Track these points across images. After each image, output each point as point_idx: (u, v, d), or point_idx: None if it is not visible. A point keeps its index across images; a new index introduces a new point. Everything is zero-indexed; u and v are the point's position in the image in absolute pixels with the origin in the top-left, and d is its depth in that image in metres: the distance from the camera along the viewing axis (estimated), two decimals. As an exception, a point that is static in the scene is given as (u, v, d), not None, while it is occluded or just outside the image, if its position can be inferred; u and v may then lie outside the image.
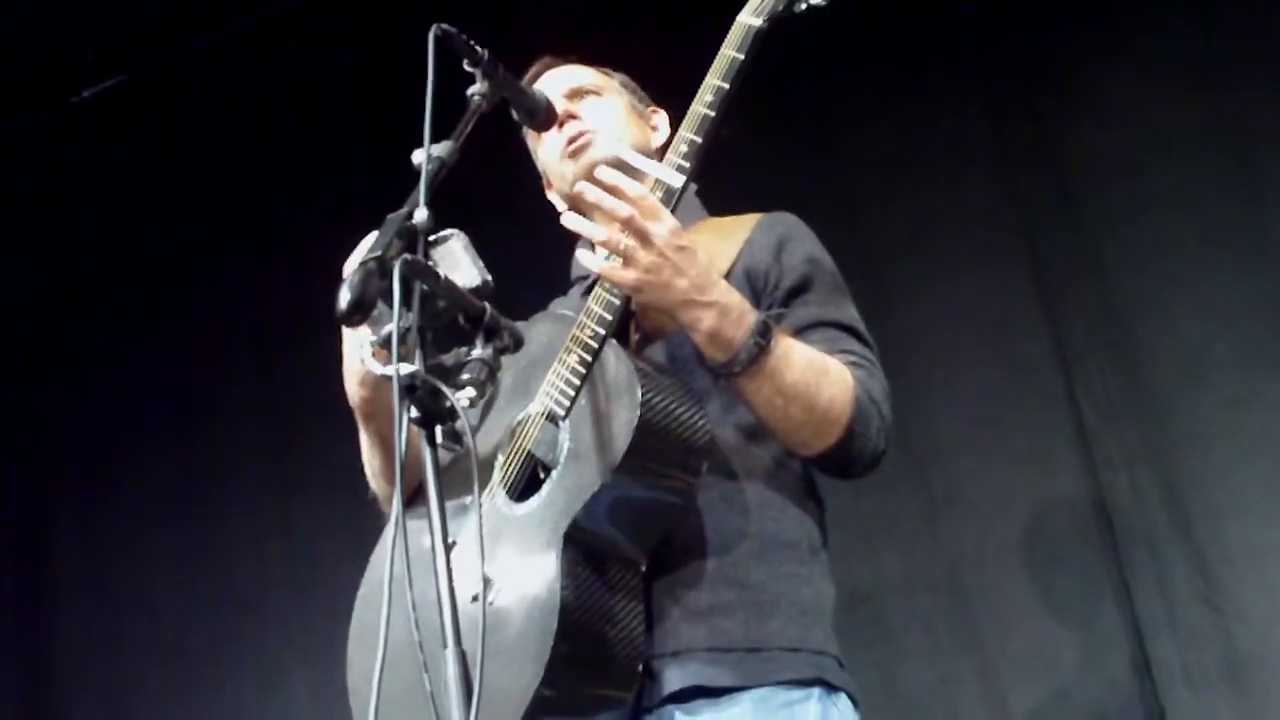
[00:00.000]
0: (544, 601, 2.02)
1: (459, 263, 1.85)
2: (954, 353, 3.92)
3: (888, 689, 3.65)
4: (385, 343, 1.71)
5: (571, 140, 2.45)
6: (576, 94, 2.52)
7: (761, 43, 2.27)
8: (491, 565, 2.10)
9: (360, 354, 1.82)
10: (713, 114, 2.23)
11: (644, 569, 2.14)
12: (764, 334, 2.12)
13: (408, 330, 1.70)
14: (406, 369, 1.68)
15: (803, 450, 2.23)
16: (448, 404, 1.70)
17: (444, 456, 1.74)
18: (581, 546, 2.06)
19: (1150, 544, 3.58)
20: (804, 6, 2.30)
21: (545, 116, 2.31)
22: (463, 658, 1.62)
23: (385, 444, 2.33)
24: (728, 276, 2.25)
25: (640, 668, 2.10)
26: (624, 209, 2.07)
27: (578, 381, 2.14)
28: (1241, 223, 3.72)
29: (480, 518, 2.08)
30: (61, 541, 5.02)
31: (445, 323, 1.78)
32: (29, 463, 5.16)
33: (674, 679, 2.11)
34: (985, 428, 3.85)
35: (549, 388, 2.18)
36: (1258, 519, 3.52)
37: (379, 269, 1.73)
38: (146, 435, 4.94)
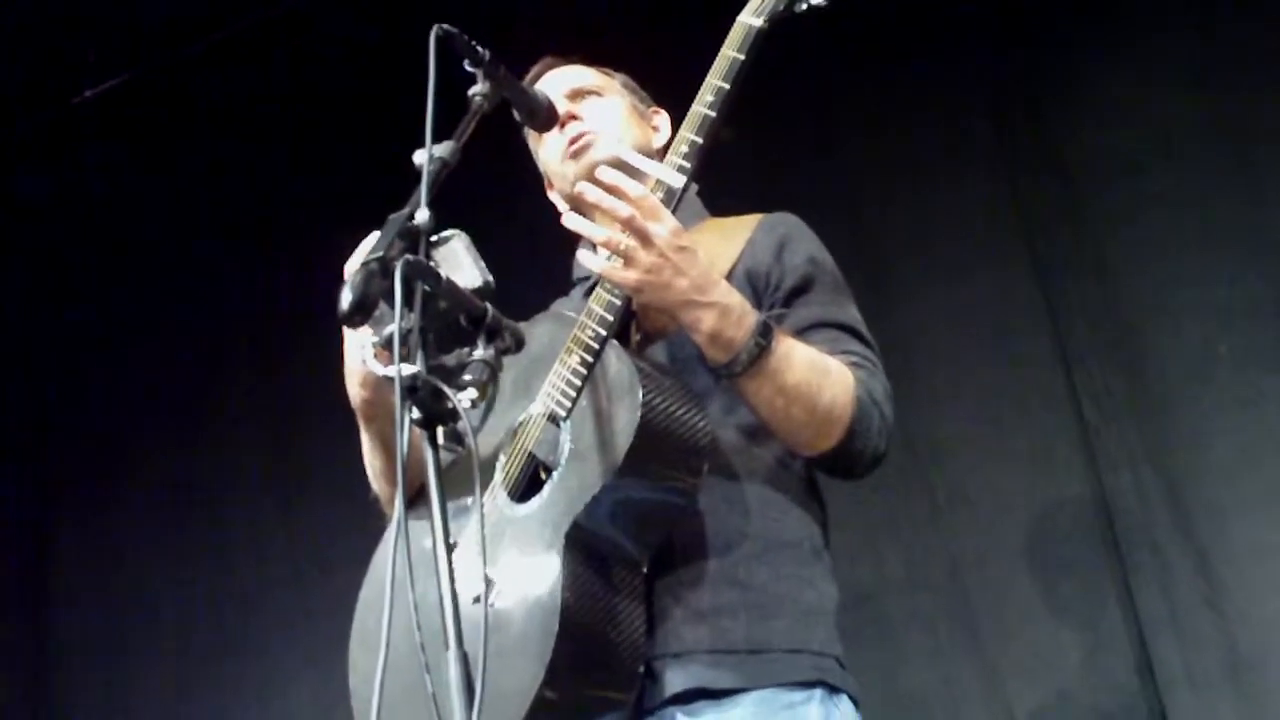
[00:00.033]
0: (545, 603, 2.02)
1: (461, 263, 1.84)
2: (955, 353, 3.92)
3: (889, 689, 3.65)
4: (387, 343, 1.71)
5: (573, 141, 2.45)
6: (578, 94, 2.51)
7: (762, 43, 2.27)
8: (493, 566, 2.10)
9: (362, 355, 1.82)
10: (713, 114, 2.23)
11: (645, 570, 2.14)
12: (765, 334, 2.11)
13: (409, 331, 1.69)
14: (408, 370, 1.67)
15: (804, 451, 2.23)
16: (449, 405, 1.70)
17: (445, 457, 1.73)
18: (583, 547, 2.06)
19: (1152, 544, 3.58)
20: (805, 7, 2.30)
21: (546, 117, 2.31)
22: (464, 659, 1.62)
23: (386, 445, 2.33)
24: (729, 277, 2.25)
25: (642, 669, 2.10)
26: (624, 209, 2.07)
27: (579, 382, 2.14)
28: (1241, 223, 3.72)
29: (482, 519, 2.08)
30: (62, 541, 5.02)
31: (447, 323, 1.78)
32: (29, 463, 5.15)
33: (676, 680, 2.11)
34: (986, 427, 3.85)
35: (550, 388, 2.18)
36: (1260, 519, 3.52)
37: (381, 269, 1.72)
38: (146, 435, 4.94)
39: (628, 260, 2.08)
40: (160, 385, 4.95)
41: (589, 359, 2.15)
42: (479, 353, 1.78)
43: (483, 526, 2.08)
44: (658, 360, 2.25)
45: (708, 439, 2.15)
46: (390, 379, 1.67)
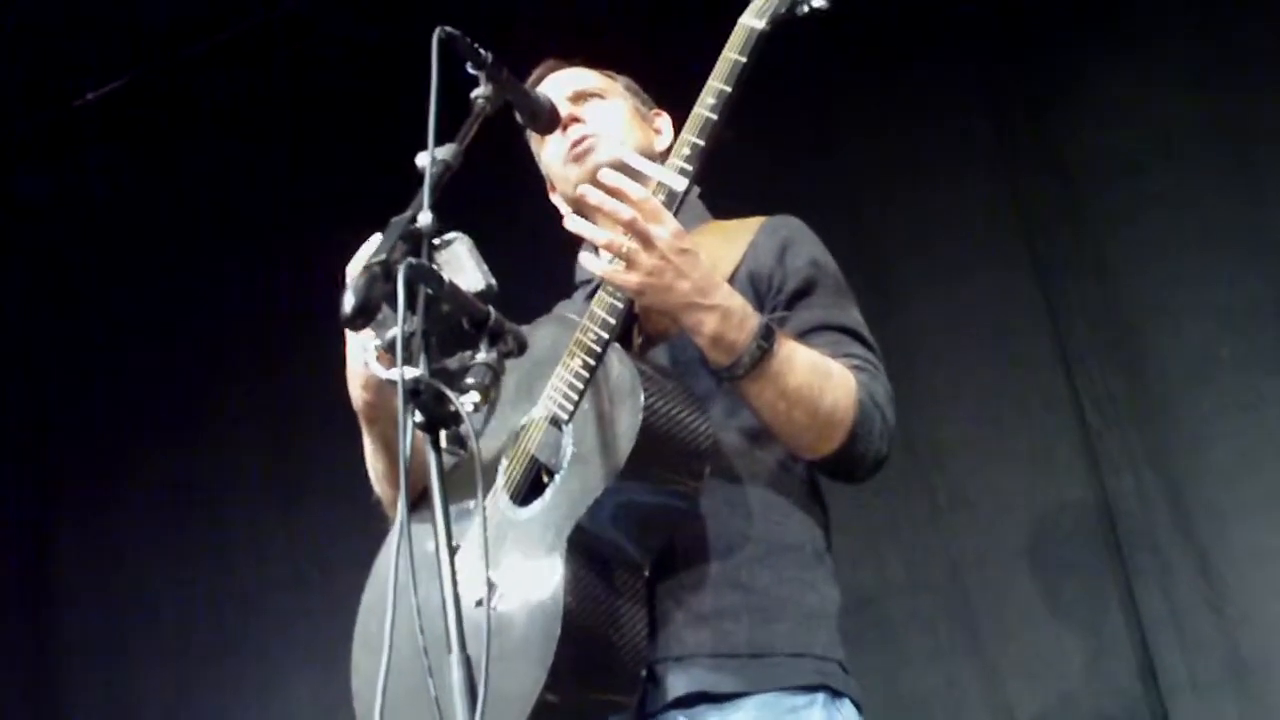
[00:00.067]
0: (547, 606, 2.02)
1: (463, 266, 1.84)
2: (955, 354, 3.91)
3: (891, 693, 3.65)
4: (389, 346, 1.70)
5: (575, 144, 2.44)
6: (580, 97, 2.51)
7: (764, 45, 2.27)
8: (495, 570, 2.10)
9: (364, 358, 1.82)
10: (715, 117, 2.23)
11: (647, 573, 2.14)
12: (767, 337, 2.11)
13: (412, 334, 1.69)
14: (411, 373, 1.67)
15: (806, 454, 2.23)
16: (452, 408, 1.69)
17: (447, 460, 1.73)
18: (585, 551, 2.06)
19: (1153, 546, 3.58)
20: (806, 9, 2.29)
21: (548, 120, 2.31)
22: (467, 663, 1.62)
23: (388, 448, 2.33)
24: (731, 280, 2.25)
25: (644, 673, 2.10)
26: (626, 212, 2.07)
27: (581, 385, 2.14)
28: (1241, 223, 3.72)
29: (484, 522, 2.08)
30: (62, 541, 5.01)
31: (449, 326, 1.77)
32: (30, 463, 5.15)
33: (678, 684, 2.11)
34: (987, 428, 3.85)
35: (552, 391, 2.18)
36: (1260, 522, 3.52)
37: (383, 272, 1.72)
38: (147, 435, 4.93)
39: (629, 263, 2.08)
40: (160, 385, 4.94)
41: (591, 362, 2.15)
42: (481, 356, 1.78)
43: (485, 529, 2.08)
44: (660, 363, 2.25)
45: (710, 442, 2.15)
46: (393, 382, 1.67)
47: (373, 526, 2.43)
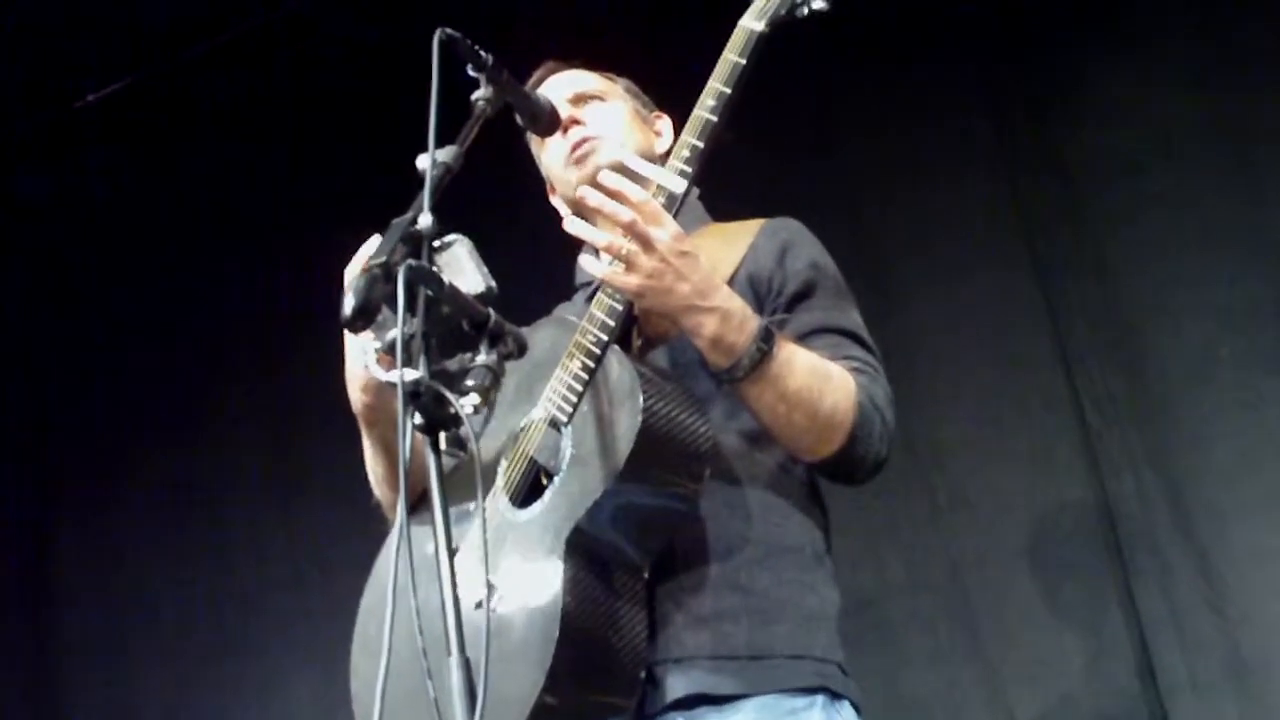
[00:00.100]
0: (546, 608, 2.02)
1: (463, 268, 1.84)
2: (955, 354, 3.91)
3: (891, 694, 3.65)
4: (389, 348, 1.70)
5: (575, 146, 2.44)
6: (580, 99, 2.51)
7: (764, 46, 2.27)
8: (494, 572, 2.10)
9: (364, 360, 1.82)
10: (715, 119, 2.23)
11: (647, 575, 2.14)
12: (767, 339, 2.11)
13: (412, 336, 1.69)
14: (410, 375, 1.67)
15: (806, 456, 2.23)
16: (452, 410, 1.69)
17: (447, 462, 1.73)
18: (584, 553, 2.07)
19: (1153, 546, 3.58)
20: (806, 11, 2.29)
21: (549, 121, 2.31)
22: (466, 665, 1.62)
23: (388, 450, 2.33)
24: (731, 282, 2.25)
25: (643, 674, 2.10)
26: (626, 214, 2.07)
27: (580, 387, 2.14)
28: (1241, 223, 3.72)
29: (483, 524, 2.08)
30: (62, 541, 5.01)
31: (449, 328, 1.77)
32: (30, 463, 5.15)
33: (677, 686, 2.11)
34: (987, 429, 3.85)
35: (552, 393, 2.17)
36: (1260, 522, 3.52)
37: (383, 274, 1.72)
38: (146, 435, 4.93)
39: (629, 265, 2.08)
40: (160, 385, 4.95)
41: (591, 364, 2.15)
42: (481, 358, 1.77)
43: (484, 531, 2.07)
44: (659, 365, 2.25)
45: (709, 444, 2.15)
46: (392, 384, 1.67)
47: (372, 527, 2.43)
